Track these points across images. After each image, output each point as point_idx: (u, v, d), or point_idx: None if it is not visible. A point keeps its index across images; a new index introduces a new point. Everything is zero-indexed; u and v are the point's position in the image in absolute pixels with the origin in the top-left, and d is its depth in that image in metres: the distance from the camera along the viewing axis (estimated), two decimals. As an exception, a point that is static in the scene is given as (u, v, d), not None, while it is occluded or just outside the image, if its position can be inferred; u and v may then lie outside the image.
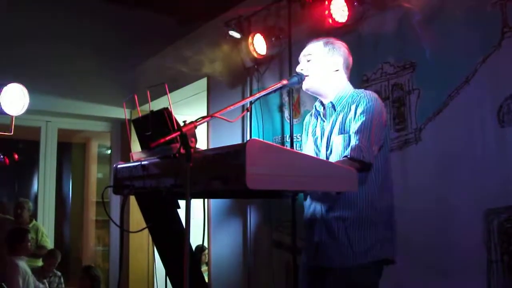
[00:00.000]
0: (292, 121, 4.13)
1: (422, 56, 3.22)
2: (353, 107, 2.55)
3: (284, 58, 4.27)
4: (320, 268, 2.61)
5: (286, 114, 4.28)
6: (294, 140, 4.08)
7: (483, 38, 2.92)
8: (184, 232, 1.89)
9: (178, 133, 1.90)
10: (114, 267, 7.08)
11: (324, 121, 2.71)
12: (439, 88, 3.11)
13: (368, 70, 3.54)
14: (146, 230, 2.60)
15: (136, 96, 2.48)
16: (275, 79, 4.29)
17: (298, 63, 2.78)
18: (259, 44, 4.30)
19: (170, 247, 2.54)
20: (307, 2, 3.80)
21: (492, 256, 2.80)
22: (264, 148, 1.78)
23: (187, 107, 6.34)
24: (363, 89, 2.68)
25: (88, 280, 5.49)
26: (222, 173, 1.80)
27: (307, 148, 2.80)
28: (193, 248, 2.35)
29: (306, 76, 2.67)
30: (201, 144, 1.95)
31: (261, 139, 1.84)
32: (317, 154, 2.68)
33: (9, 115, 3.41)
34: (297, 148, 3.97)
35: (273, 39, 4.22)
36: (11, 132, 3.52)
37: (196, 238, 2.46)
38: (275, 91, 2.54)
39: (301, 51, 2.78)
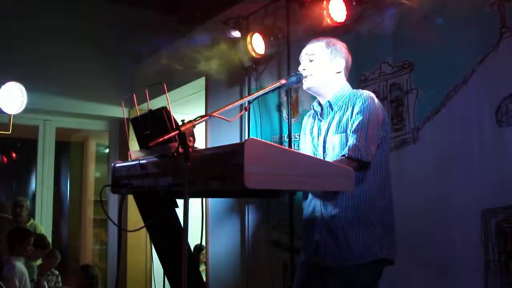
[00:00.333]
0: (290, 120, 4.13)
1: (421, 56, 3.23)
2: (350, 107, 2.57)
3: (283, 57, 4.28)
4: (320, 266, 2.62)
5: (284, 113, 4.29)
6: (292, 139, 4.08)
7: (481, 38, 2.92)
8: (182, 231, 1.90)
9: (177, 132, 1.90)
10: (111, 266, 7.07)
11: (321, 121, 2.73)
12: (437, 88, 3.12)
13: (367, 70, 3.55)
14: (144, 229, 2.60)
15: (134, 95, 2.48)
16: (274, 79, 4.29)
17: (296, 62, 2.78)
18: (257, 44, 4.30)
19: (168, 246, 2.54)
20: (305, 2, 3.80)
21: (490, 255, 2.81)
22: (262, 148, 1.78)
23: (186, 106, 6.34)
24: (360, 89, 2.69)
25: (86, 279, 5.48)
26: (220, 172, 1.80)
27: (305, 148, 2.81)
28: (192, 247, 2.35)
29: (308, 75, 2.68)
30: (200, 143, 1.95)
31: (259, 139, 1.84)
32: (314, 154, 2.69)
33: (7, 113, 3.42)
34: (295, 148, 3.98)
35: (271, 38, 4.22)
36: (9, 131, 3.52)
37: (193, 237, 2.47)
38: (273, 90, 2.54)
39: (300, 50, 2.78)
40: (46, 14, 6.30)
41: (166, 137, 1.88)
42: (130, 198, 2.75)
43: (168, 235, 2.50)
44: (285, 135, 4.23)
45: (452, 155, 3.03)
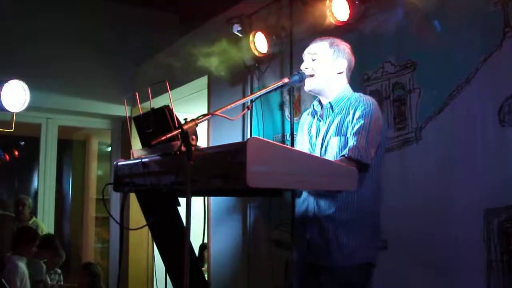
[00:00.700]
0: (293, 119, 4.13)
1: (423, 55, 3.22)
2: (351, 111, 2.58)
3: (285, 56, 4.27)
4: (312, 265, 2.65)
5: (287, 112, 4.28)
6: (295, 138, 4.07)
7: (484, 37, 2.91)
8: (184, 230, 1.90)
9: (179, 130, 1.90)
10: (113, 264, 7.08)
11: (320, 121, 2.73)
12: (440, 88, 3.11)
13: (369, 69, 3.54)
14: (146, 228, 2.60)
15: (137, 94, 2.48)
16: (276, 78, 4.29)
17: (299, 61, 2.78)
18: (260, 42, 4.29)
19: (170, 244, 2.55)
20: (309, 1, 3.79)
21: (492, 255, 2.80)
22: (264, 147, 1.78)
23: (188, 105, 6.34)
24: (361, 93, 2.71)
25: (89, 277, 5.48)
26: (222, 171, 1.81)
27: (301, 146, 2.82)
28: (197, 246, 2.35)
29: (311, 75, 2.67)
30: (202, 142, 1.95)
31: (262, 138, 1.84)
32: (311, 153, 2.69)
33: (10, 111, 3.42)
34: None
35: (274, 37, 4.22)
36: (11, 129, 3.52)
37: (195, 236, 2.47)
38: (276, 89, 2.54)
39: (303, 49, 2.79)
40: (48, 13, 6.31)
41: (168, 135, 1.88)
42: (133, 196, 2.75)
43: (170, 233, 2.51)
44: (287, 134, 4.22)
45: (455, 154, 3.02)
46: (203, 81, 5.44)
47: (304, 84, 2.72)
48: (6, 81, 3.32)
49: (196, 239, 2.29)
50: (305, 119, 2.90)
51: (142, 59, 6.78)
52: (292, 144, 4.03)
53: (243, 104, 2.53)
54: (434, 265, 3.04)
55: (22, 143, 7.48)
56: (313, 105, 2.82)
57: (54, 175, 6.88)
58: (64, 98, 6.55)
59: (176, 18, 6.87)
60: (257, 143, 1.75)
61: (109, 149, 7.70)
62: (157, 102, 2.24)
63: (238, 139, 4.77)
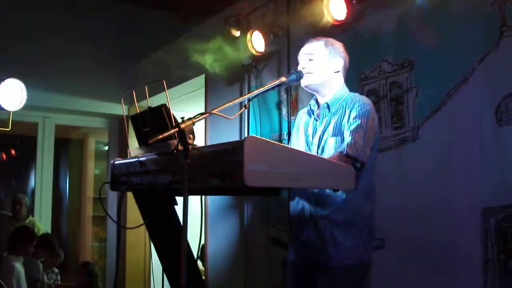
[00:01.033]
0: (290, 118, 4.12)
1: (421, 54, 3.22)
2: (347, 111, 2.59)
3: (283, 55, 4.27)
4: (307, 266, 2.65)
5: (284, 111, 4.28)
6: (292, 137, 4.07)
7: (481, 37, 2.92)
8: (181, 229, 1.89)
9: (176, 129, 1.90)
10: (111, 263, 7.07)
11: (317, 120, 2.73)
12: (437, 87, 3.11)
13: (367, 68, 3.54)
14: (143, 227, 2.60)
15: (134, 92, 2.48)
16: (274, 77, 4.29)
17: (296, 60, 2.78)
18: (257, 41, 4.29)
19: (167, 243, 2.54)
20: (306, 0, 3.79)
21: (489, 254, 2.81)
22: (262, 145, 1.78)
23: (185, 104, 6.34)
24: (357, 93, 2.72)
25: (86, 277, 5.47)
26: (219, 170, 1.80)
27: (297, 144, 2.82)
28: (194, 245, 2.35)
29: (308, 73, 2.68)
30: (199, 141, 1.95)
31: (259, 136, 1.84)
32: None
33: (7, 110, 3.41)
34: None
35: (271, 36, 4.21)
36: (8, 128, 3.52)
37: (193, 234, 2.47)
38: (273, 88, 2.54)
39: (300, 48, 2.79)
40: (46, 12, 6.30)
41: (165, 134, 1.88)
42: (130, 195, 2.74)
43: (167, 232, 2.50)
44: (285, 133, 4.22)
45: (452, 153, 3.02)
46: (201, 80, 5.43)
47: (301, 82, 2.73)
48: (3, 80, 3.32)
49: (193, 238, 2.29)
50: (301, 117, 2.90)
51: (139, 58, 6.77)
52: (289, 143, 4.03)
53: (241, 103, 2.54)
54: (431, 264, 3.04)
55: (18, 141, 7.46)
56: (310, 104, 2.82)
57: (51, 174, 6.87)
58: (61, 97, 6.53)
59: (174, 17, 6.86)
60: (254, 142, 1.74)
61: (106, 148, 7.69)
62: (155, 101, 2.24)
63: (236, 138, 4.77)
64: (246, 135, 4.61)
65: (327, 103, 2.68)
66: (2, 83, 3.31)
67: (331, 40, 2.77)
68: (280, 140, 4.26)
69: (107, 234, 7.25)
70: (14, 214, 6.42)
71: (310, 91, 2.78)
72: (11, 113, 3.49)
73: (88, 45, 6.49)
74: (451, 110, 3.04)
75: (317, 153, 2.63)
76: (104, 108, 6.88)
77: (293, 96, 4.19)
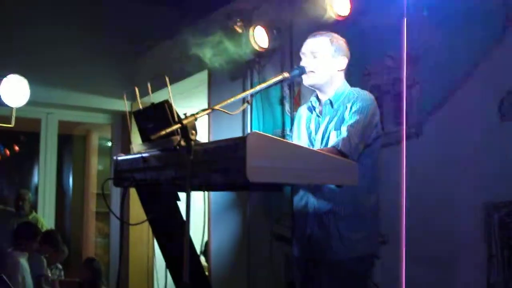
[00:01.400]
0: (293, 114, 4.12)
1: (424, 50, 3.21)
2: (348, 105, 2.59)
3: (286, 51, 4.26)
4: (313, 260, 2.66)
5: (287, 107, 4.28)
6: (294, 133, 4.07)
7: (485, 31, 2.90)
8: (184, 225, 1.89)
9: (179, 125, 1.90)
10: (114, 259, 7.08)
11: (319, 117, 2.72)
12: (440, 82, 3.10)
13: (370, 64, 3.53)
14: (147, 222, 2.60)
15: (136, 88, 2.48)
16: (276, 72, 4.27)
17: (300, 56, 2.77)
18: (260, 37, 4.28)
19: (170, 239, 2.54)
20: (309, -5, 3.78)
21: (492, 250, 2.80)
22: (264, 141, 1.78)
23: (188, 99, 6.33)
24: (359, 88, 2.71)
25: (90, 273, 5.48)
26: (222, 165, 1.80)
27: (299, 140, 2.81)
28: (197, 241, 2.35)
29: (311, 72, 2.67)
30: (202, 137, 1.95)
31: (262, 132, 1.84)
32: None
33: (10, 106, 3.41)
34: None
35: (274, 31, 4.21)
36: (12, 124, 3.52)
37: (196, 230, 2.47)
38: (276, 83, 2.54)
39: (303, 43, 2.78)
40: (48, 8, 6.29)
41: (168, 130, 1.88)
42: (133, 191, 2.74)
43: (170, 228, 2.51)
44: (288, 129, 4.22)
45: (455, 149, 3.02)
46: (203, 75, 5.43)
47: (302, 79, 2.72)
48: (6, 76, 3.32)
49: (196, 234, 2.29)
50: (302, 114, 2.90)
51: (142, 54, 6.77)
52: (292, 139, 4.03)
53: (243, 98, 2.53)
54: (435, 260, 3.04)
55: (21, 137, 7.47)
56: (311, 100, 2.82)
57: (54, 170, 6.88)
58: (64, 93, 6.54)
59: (177, 12, 6.85)
60: (257, 138, 1.74)
61: (110, 144, 7.69)
62: (158, 97, 2.24)
63: (238, 134, 4.77)
64: (249, 131, 4.60)
65: (330, 99, 2.68)
66: (5, 79, 3.30)
67: (336, 36, 2.76)
68: (283, 136, 4.26)
69: (111, 229, 7.26)
70: (18, 210, 6.44)
71: (313, 89, 2.78)
72: (15, 109, 3.48)
73: (91, 41, 6.48)
74: (455, 106, 3.03)
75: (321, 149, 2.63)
76: (107, 104, 6.88)
77: (296, 92, 4.19)
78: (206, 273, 4.86)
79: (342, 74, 2.75)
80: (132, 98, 2.54)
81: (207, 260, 5.40)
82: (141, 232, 6.53)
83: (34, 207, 6.66)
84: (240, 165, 1.69)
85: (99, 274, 5.59)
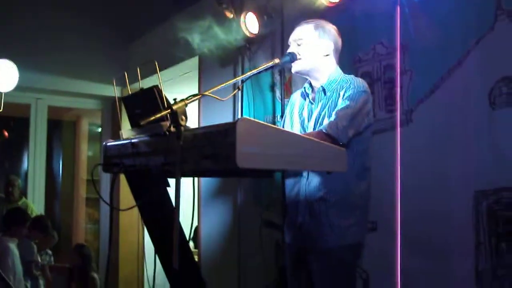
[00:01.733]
0: (284, 100, 4.12)
1: (415, 37, 3.21)
2: (341, 93, 2.58)
3: (277, 37, 4.25)
4: (304, 247, 2.67)
5: (278, 93, 4.27)
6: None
7: (476, 20, 2.91)
8: (173, 211, 1.89)
9: (169, 111, 1.89)
10: (104, 245, 7.08)
11: (312, 104, 2.72)
12: (431, 70, 3.11)
13: (361, 51, 3.53)
14: (137, 208, 2.60)
15: (126, 74, 2.46)
16: (267, 58, 4.26)
17: (289, 45, 2.76)
18: (251, 23, 4.27)
19: (160, 225, 2.54)
20: (300, -19, 3.77)
21: (480, 237, 2.82)
22: (254, 127, 1.77)
23: (179, 85, 6.31)
24: (353, 75, 2.69)
25: (80, 259, 5.48)
26: (212, 151, 1.79)
27: (292, 128, 2.81)
28: (187, 227, 2.35)
29: (297, 59, 2.66)
30: (193, 122, 1.94)
31: (252, 118, 1.83)
32: None
33: (-1, 91, 3.39)
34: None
35: (265, 17, 4.19)
36: (0, 109, 3.50)
37: (186, 216, 2.47)
38: (266, 69, 2.53)
39: (293, 30, 2.77)
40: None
41: (158, 116, 1.87)
42: (123, 177, 2.74)
43: (159, 214, 2.50)
44: (278, 115, 4.21)
45: (445, 137, 3.03)
46: (194, 61, 5.41)
47: (291, 69, 2.72)
48: (-5, 61, 3.29)
49: (186, 220, 2.29)
50: (295, 100, 2.88)
51: (133, 39, 6.73)
52: (283, 125, 4.02)
53: (234, 84, 2.52)
54: (424, 247, 3.06)
55: (11, 122, 7.42)
56: (305, 87, 2.81)
57: (44, 156, 6.85)
58: (54, 78, 6.50)
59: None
60: (247, 124, 1.73)
61: (100, 129, 7.66)
62: (148, 83, 2.22)
63: (229, 120, 4.76)
64: (239, 116, 4.60)
65: (322, 86, 2.67)
66: (-6, 64, 3.28)
67: (322, 22, 2.74)
68: (274, 122, 4.26)
69: (100, 215, 7.26)
70: (7, 195, 6.41)
71: (301, 76, 2.77)
72: (3, 94, 3.46)
73: (81, 26, 6.44)
74: (445, 94, 3.04)
75: None
76: (97, 90, 6.85)
77: (286, 78, 4.18)
78: (196, 259, 4.87)
79: (331, 60, 2.72)
80: (122, 84, 2.52)
81: (196, 246, 5.42)
82: (131, 218, 6.52)
83: (24, 193, 6.63)
84: (230, 151, 1.69)
85: (89, 260, 5.59)
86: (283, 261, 3.90)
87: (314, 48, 2.68)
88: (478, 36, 2.88)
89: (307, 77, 2.77)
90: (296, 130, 2.75)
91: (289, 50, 2.71)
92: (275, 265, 4.20)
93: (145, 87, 2.19)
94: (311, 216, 2.61)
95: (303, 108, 2.78)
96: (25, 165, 7.37)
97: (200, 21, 4.27)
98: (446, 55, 3.03)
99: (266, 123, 1.93)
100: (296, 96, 2.90)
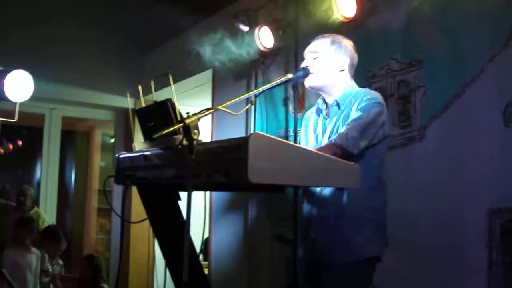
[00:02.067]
0: (297, 115, 4.11)
1: (429, 53, 3.20)
2: (355, 105, 2.55)
3: (290, 51, 4.25)
4: (317, 263, 2.64)
5: (291, 108, 4.27)
6: (298, 134, 4.06)
7: (491, 36, 2.90)
8: (184, 224, 1.89)
9: (181, 124, 1.89)
10: (115, 256, 7.07)
11: (326, 119, 2.70)
12: (445, 86, 3.09)
13: (374, 66, 3.52)
14: (148, 220, 2.60)
15: (139, 86, 2.47)
16: (281, 73, 4.27)
17: (304, 57, 2.76)
18: (265, 37, 4.28)
19: (170, 238, 2.54)
20: (315, -4, 3.78)
21: (493, 256, 2.79)
22: (267, 142, 1.77)
23: (192, 98, 6.33)
24: (368, 89, 2.66)
25: (90, 270, 5.48)
26: (224, 166, 1.79)
27: (307, 145, 2.79)
28: (198, 240, 2.35)
29: (311, 73, 2.65)
30: (206, 136, 1.95)
31: (264, 133, 1.83)
32: None
33: (13, 101, 3.41)
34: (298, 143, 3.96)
35: (280, 32, 4.20)
36: (14, 119, 3.51)
37: (197, 230, 2.47)
38: (280, 84, 2.52)
39: (308, 45, 2.77)
40: (54, 3, 6.28)
41: (170, 129, 1.88)
42: (135, 189, 2.74)
43: (170, 228, 2.50)
44: (291, 129, 4.21)
45: (458, 154, 3.01)
46: (208, 74, 5.43)
47: (305, 83, 2.71)
48: (10, 71, 3.31)
49: (197, 233, 2.29)
50: (309, 117, 2.87)
51: (147, 51, 6.77)
52: (296, 140, 4.02)
53: (247, 99, 2.52)
54: (436, 264, 3.03)
55: (25, 132, 7.47)
56: (318, 103, 2.80)
57: (57, 166, 6.89)
58: (68, 88, 6.55)
59: (183, 10, 6.84)
60: (259, 139, 1.73)
61: (113, 140, 7.70)
62: (162, 95, 2.23)
63: (242, 134, 4.76)
64: (252, 131, 4.60)
65: (336, 100, 2.65)
66: (9, 74, 3.30)
67: (338, 37, 2.73)
68: (286, 137, 4.25)
69: (112, 226, 7.26)
70: (19, 205, 6.44)
71: (315, 91, 2.76)
72: (18, 104, 3.48)
73: (95, 38, 6.49)
74: (459, 110, 3.02)
75: None
76: (111, 101, 6.89)
77: (300, 93, 4.18)
78: (206, 271, 4.86)
79: (346, 75, 2.70)
80: (136, 95, 2.53)
81: (206, 259, 5.40)
82: (142, 230, 6.53)
83: (36, 202, 6.66)
84: (241, 166, 1.68)
85: (99, 271, 5.58)
86: (293, 276, 3.87)
87: (330, 63, 2.66)
88: (493, 52, 2.87)
89: (320, 93, 2.75)
90: (311, 145, 2.74)
91: (304, 62, 2.70)
92: (285, 280, 4.17)
93: (158, 99, 2.20)
94: (324, 230, 2.58)
95: (317, 124, 2.76)
96: (38, 174, 7.41)
97: (215, 34, 4.29)
98: (460, 71, 3.02)
99: (278, 138, 1.92)
100: (309, 114, 2.89)
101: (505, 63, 2.82)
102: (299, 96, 4.18)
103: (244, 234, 4.76)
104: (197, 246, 2.43)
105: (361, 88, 2.68)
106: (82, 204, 8.32)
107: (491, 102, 2.87)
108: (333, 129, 2.61)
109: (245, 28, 4.42)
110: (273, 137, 1.85)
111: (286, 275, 4.16)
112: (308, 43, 2.77)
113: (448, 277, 2.97)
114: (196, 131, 1.90)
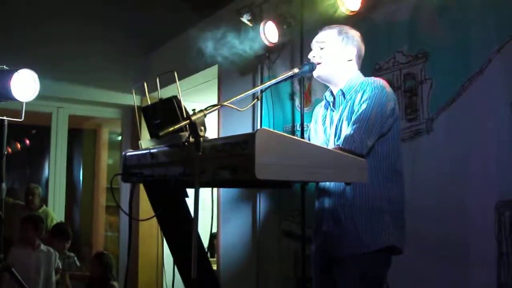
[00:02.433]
0: (303, 110, 4.10)
1: (436, 45, 3.18)
2: (359, 94, 2.52)
3: (296, 46, 4.24)
4: (330, 256, 2.62)
5: (297, 102, 4.26)
6: (305, 129, 4.05)
7: (498, 26, 2.87)
8: (192, 221, 1.88)
9: (187, 121, 1.89)
10: (124, 253, 7.09)
11: (333, 111, 2.70)
12: (452, 79, 3.07)
13: (381, 59, 3.51)
14: (155, 218, 2.60)
15: (145, 84, 2.47)
16: (286, 68, 4.26)
17: (310, 51, 2.75)
18: (270, 32, 4.26)
19: (178, 235, 2.54)
20: (320, -11, 3.76)
21: (503, 248, 2.78)
22: (273, 138, 1.76)
23: (198, 94, 6.33)
24: (373, 77, 2.64)
25: (100, 268, 5.49)
26: (230, 162, 1.79)
27: (316, 138, 2.79)
28: (206, 237, 2.34)
29: (318, 63, 2.65)
30: (212, 132, 1.94)
31: (271, 129, 1.82)
32: (326, 144, 2.67)
33: (20, 101, 3.41)
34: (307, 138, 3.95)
35: (284, 26, 4.18)
36: (21, 118, 3.52)
37: (204, 226, 2.46)
38: (286, 79, 2.52)
39: (313, 39, 2.76)
40: (59, 2, 6.30)
41: (176, 126, 1.87)
42: (143, 186, 2.74)
43: (178, 225, 2.50)
44: (298, 124, 4.20)
45: (467, 146, 2.99)
46: (213, 70, 5.42)
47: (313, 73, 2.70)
48: (16, 71, 3.31)
49: (204, 230, 2.28)
50: (318, 112, 2.87)
51: (153, 48, 6.76)
52: (302, 135, 4.01)
53: (253, 94, 2.51)
54: (446, 257, 3.02)
55: (33, 131, 7.50)
56: (325, 96, 2.79)
57: (64, 164, 6.91)
58: (75, 87, 6.57)
59: (187, 7, 6.84)
60: (265, 134, 1.72)
61: (120, 138, 7.71)
62: (167, 92, 2.22)
63: (249, 129, 4.76)
64: (258, 126, 4.59)
65: (341, 90, 2.64)
66: (16, 73, 3.30)
67: (346, 28, 2.73)
68: (293, 132, 4.24)
69: (120, 224, 7.28)
70: (27, 204, 6.47)
71: (322, 81, 2.75)
72: (24, 103, 3.48)
73: (101, 35, 6.50)
74: (466, 102, 3.01)
75: (335, 142, 2.58)
76: (118, 99, 6.91)
77: (306, 87, 4.17)
78: (214, 267, 4.86)
79: (353, 65, 2.69)
80: (142, 93, 2.53)
81: (213, 255, 5.40)
82: (151, 227, 6.54)
83: (44, 200, 6.69)
84: (248, 162, 1.68)
85: (109, 268, 5.59)
86: (302, 270, 3.87)
87: (337, 53, 2.66)
88: (500, 43, 2.85)
89: (327, 84, 2.74)
90: (320, 139, 2.74)
91: (311, 53, 2.70)
92: (294, 276, 4.17)
93: (164, 96, 2.19)
94: (336, 223, 2.56)
95: (326, 117, 2.76)
96: (46, 173, 7.43)
97: (220, 31, 4.28)
98: (468, 63, 3.00)
99: (285, 134, 1.92)
100: (318, 109, 2.88)
101: (512, 54, 2.80)
102: (306, 91, 4.17)
103: (252, 229, 4.76)
104: (205, 242, 2.42)
105: (366, 77, 2.65)
106: (90, 202, 8.34)
107: (498, 94, 2.85)
108: (339, 119, 2.59)
109: (250, 23, 4.40)
110: (279, 132, 1.84)
111: (294, 270, 4.16)
112: (314, 37, 2.76)
113: (457, 269, 2.96)
114: (202, 127, 1.89)
